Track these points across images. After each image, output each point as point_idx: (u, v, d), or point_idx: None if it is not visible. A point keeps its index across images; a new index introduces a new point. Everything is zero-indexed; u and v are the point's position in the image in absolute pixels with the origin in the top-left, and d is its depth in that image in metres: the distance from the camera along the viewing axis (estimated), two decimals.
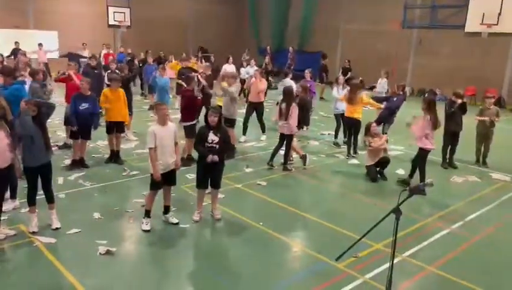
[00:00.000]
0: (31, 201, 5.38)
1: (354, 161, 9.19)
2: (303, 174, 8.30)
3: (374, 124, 8.35)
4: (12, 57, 15.21)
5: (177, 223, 5.77)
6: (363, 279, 4.65)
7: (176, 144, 5.62)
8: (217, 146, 5.70)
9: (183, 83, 9.60)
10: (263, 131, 10.56)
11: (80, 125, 7.69)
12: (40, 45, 17.85)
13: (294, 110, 7.99)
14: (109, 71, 10.58)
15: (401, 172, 8.41)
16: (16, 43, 16.93)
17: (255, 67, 14.93)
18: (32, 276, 4.53)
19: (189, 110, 8.06)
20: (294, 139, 8.40)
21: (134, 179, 7.52)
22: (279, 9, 24.99)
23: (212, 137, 5.69)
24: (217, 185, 5.98)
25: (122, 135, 8.79)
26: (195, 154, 6.65)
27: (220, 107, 8.16)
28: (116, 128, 8.23)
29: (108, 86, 8.76)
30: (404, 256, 5.20)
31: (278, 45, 25.00)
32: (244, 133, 10.39)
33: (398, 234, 3.32)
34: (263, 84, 10.43)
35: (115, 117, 8.14)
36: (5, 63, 11.63)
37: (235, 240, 5.58)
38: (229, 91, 8.69)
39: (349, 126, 9.49)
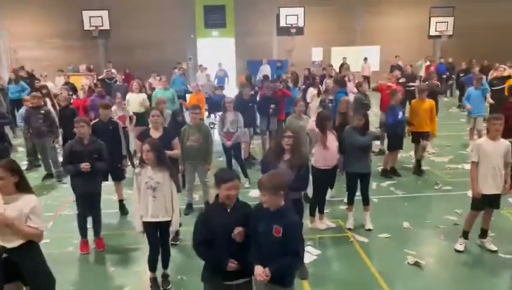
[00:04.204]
0: (350, 201, 5.97)
1: None
2: None
3: None
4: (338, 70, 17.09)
5: (495, 251, 5.17)
6: None
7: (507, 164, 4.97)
8: None
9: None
10: None
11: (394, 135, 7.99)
12: (365, 59, 19.74)
13: None
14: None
15: None
16: (344, 58, 19.09)
17: None
18: (347, 268, 5.04)
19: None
20: None
21: (446, 194, 7.18)
22: None
23: None
24: None
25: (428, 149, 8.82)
26: None
27: None
28: (421, 137, 8.09)
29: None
30: None
31: None
32: None
33: None
34: None
35: (418, 127, 8.04)
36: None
37: None
38: None
39: None
